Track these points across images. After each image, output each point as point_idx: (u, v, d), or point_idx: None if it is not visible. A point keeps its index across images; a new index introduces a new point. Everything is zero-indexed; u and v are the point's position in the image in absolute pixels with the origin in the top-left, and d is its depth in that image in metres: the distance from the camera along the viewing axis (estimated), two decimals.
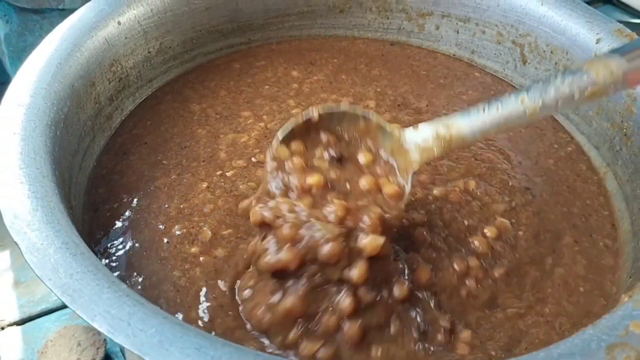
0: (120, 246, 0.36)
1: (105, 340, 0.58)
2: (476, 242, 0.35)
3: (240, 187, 0.39)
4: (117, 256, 0.35)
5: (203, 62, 0.49)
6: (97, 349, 0.57)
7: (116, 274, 0.34)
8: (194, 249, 0.35)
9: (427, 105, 0.46)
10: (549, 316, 0.33)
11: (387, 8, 0.52)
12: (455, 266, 0.33)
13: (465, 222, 0.36)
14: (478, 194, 0.38)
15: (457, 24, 0.51)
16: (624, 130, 0.41)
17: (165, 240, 0.36)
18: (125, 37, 0.42)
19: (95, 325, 0.23)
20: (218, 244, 0.35)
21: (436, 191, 0.38)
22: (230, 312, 0.32)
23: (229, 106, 0.45)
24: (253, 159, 0.41)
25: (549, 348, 0.24)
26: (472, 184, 0.39)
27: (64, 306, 0.62)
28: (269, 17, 0.51)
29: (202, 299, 0.33)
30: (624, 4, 1.08)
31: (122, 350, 0.40)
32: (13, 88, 0.34)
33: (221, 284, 0.33)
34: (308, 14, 0.52)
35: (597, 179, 0.42)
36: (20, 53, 0.62)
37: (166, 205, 0.38)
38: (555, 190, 0.41)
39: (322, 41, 0.53)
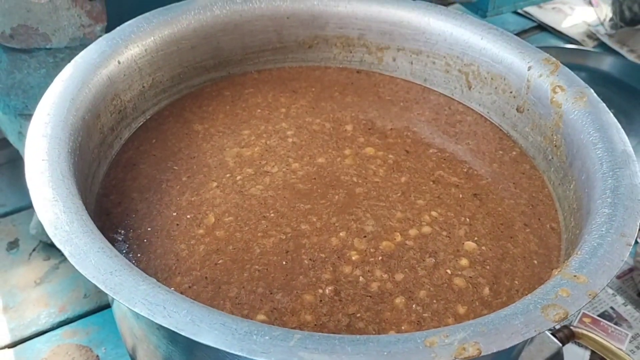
0: (132, 231, 0.42)
1: (97, 356, 0.62)
2: (456, 282, 0.41)
3: (251, 189, 0.46)
4: (128, 239, 0.41)
5: (192, 92, 0.55)
6: None
7: (124, 249, 0.41)
8: (200, 231, 0.43)
9: (391, 129, 0.53)
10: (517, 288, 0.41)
11: (349, 43, 0.59)
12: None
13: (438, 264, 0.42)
14: (438, 228, 0.44)
15: (410, 56, 0.58)
16: (554, 142, 0.48)
17: (176, 223, 0.43)
18: (124, 75, 0.47)
19: (137, 310, 0.28)
20: (220, 227, 0.43)
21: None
22: (208, 287, 0.39)
23: (229, 126, 0.52)
24: (262, 169, 0.48)
25: (497, 312, 0.31)
26: (425, 229, 0.44)
27: (53, 327, 0.66)
28: (247, 53, 0.57)
29: (194, 268, 0.41)
30: (557, 31, 1.20)
31: (132, 356, 0.44)
32: (36, 121, 0.39)
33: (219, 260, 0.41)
34: (281, 50, 0.58)
35: (539, 175, 0.50)
36: (9, 89, 0.66)
37: (178, 199, 0.45)
38: (501, 187, 0.48)
39: (299, 70, 0.59)
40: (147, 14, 0.50)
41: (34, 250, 0.74)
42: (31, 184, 0.34)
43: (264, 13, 0.56)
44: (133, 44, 0.48)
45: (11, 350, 0.64)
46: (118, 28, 0.48)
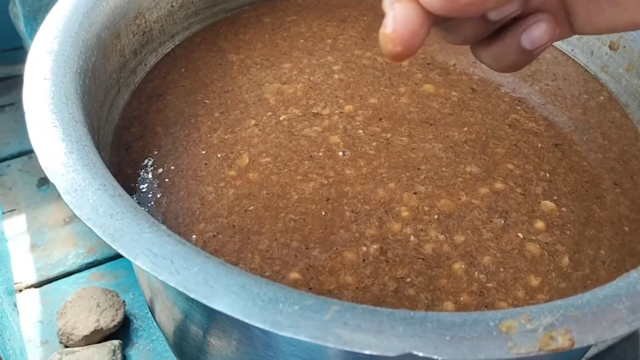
0: (152, 169, 0.37)
1: (124, 301, 0.58)
2: (529, 248, 0.34)
3: (304, 130, 0.40)
4: (148, 177, 0.36)
5: (227, 16, 0.48)
6: (117, 310, 0.57)
7: (143, 188, 0.35)
8: (232, 172, 0.37)
9: (454, 65, 0.46)
10: (602, 258, 0.34)
11: None
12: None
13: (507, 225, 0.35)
14: (513, 184, 0.37)
15: None
16: None
17: (205, 163, 0.37)
18: None
19: (138, 263, 0.23)
20: (254, 169, 0.37)
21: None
22: (235, 237, 0.34)
23: (268, 58, 0.45)
24: (312, 110, 0.41)
25: (593, 291, 0.24)
26: (499, 185, 0.37)
27: (81, 269, 0.62)
28: None
29: (221, 214, 0.35)
30: None
31: (150, 308, 0.40)
32: (41, 35, 0.33)
33: (250, 207, 0.35)
34: None
35: (632, 126, 0.42)
36: (36, 13, 0.61)
37: (208, 135, 0.39)
38: (586, 138, 0.40)
39: None
40: None
41: None
42: (28, 106, 0.29)
43: None
44: None
45: (37, 290, 0.61)
46: None
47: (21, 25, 0.65)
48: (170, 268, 0.23)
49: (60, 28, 0.34)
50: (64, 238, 0.65)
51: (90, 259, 0.63)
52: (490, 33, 0.24)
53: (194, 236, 0.33)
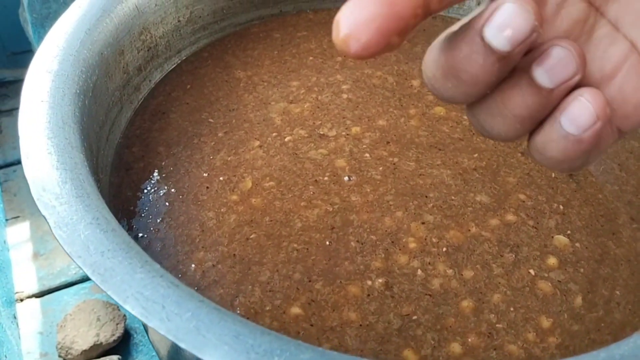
0: (152, 191, 0.36)
1: (124, 315, 0.57)
2: (541, 286, 0.32)
3: (310, 152, 0.39)
4: (148, 201, 0.35)
5: (236, 31, 0.47)
6: (117, 324, 0.56)
7: (142, 212, 0.34)
8: (234, 197, 0.36)
9: None
10: (617, 299, 0.32)
11: None
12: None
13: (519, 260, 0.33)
14: (525, 216, 0.36)
15: None
16: None
17: (206, 186, 0.36)
18: (156, 5, 0.40)
19: (128, 308, 0.22)
20: (257, 194, 0.36)
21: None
22: (235, 267, 0.32)
23: (276, 75, 0.44)
24: (318, 131, 0.40)
25: (609, 348, 0.23)
26: (510, 217, 0.36)
27: (83, 280, 0.62)
28: None
29: (222, 242, 0.34)
30: None
31: (144, 326, 0.39)
32: (40, 54, 0.32)
33: (252, 234, 0.34)
34: None
35: None
36: (44, 20, 0.60)
37: (211, 157, 0.38)
38: (603, 168, 0.39)
39: None
40: None
41: None
42: (22, 130, 0.28)
43: None
44: None
45: (38, 300, 0.60)
46: None
47: (30, 30, 0.64)
48: (161, 314, 0.21)
49: (61, 46, 0.33)
50: None
51: None
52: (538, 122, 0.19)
53: (192, 265, 0.32)
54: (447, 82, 0.18)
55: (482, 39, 0.17)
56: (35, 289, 0.61)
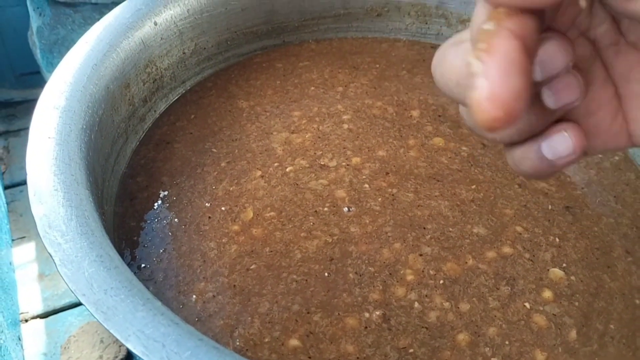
0: (156, 221, 0.36)
1: None
2: (536, 320, 0.33)
3: (310, 183, 0.39)
4: (151, 231, 0.36)
5: (239, 61, 0.48)
6: (120, 346, 0.56)
7: (145, 242, 0.35)
8: (235, 227, 0.37)
9: None
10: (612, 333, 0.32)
11: (426, 13, 0.51)
12: None
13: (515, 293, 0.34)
14: (521, 249, 0.36)
15: None
16: None
17: (209, 216, 0.37)
18: (161, 38, 0.41)
19: (129, 346, 0.22)
20: (258, 224, 0.37)
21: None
22: (235, 298, 0.33)
23: (278, 105, 0.45)
24: (319, 161, 0.41)
25: None
26: (507, 250, 0.36)
27: None
28: (305, 19, 0.50)
29: (222, 273, 0.34)
30: None
31: None
32: (49, 89, 0.33)
33: (252, 265, 0.34)
34: (344, 17, 0.51)
35: None
36: (52, 46, 0.61)
37: (213, 187, 0.39)
38: (599, 200, 0.39)
39: (363, 42, 0.52)
40: None
41: None
42: (30, 167, 0.29)
43: None
44: (173, 3, 0.42)
45: (42, 320, 0.61)
46: None
47: (38, 54, 0.66)
48: (162, 352, 0.22)
49: (68, 82, 0.34)
50: None
51: None
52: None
53: (194, 296, 0.33)
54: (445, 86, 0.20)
55: None
56: (39, 310, 0.62)
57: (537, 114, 0.20)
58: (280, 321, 0.32)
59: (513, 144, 0.21)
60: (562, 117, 0.20)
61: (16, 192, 0.74)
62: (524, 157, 0.21)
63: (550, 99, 0.19)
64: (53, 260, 0.25)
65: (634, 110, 0.20)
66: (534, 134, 0.20)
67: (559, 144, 0.20)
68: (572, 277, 0.35)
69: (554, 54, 0.18)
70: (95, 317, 0.23)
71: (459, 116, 0.45)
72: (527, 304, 0.34)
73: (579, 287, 0.35)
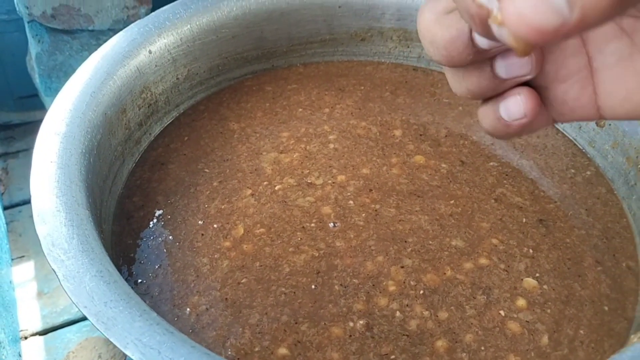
0: (151, 239, 0.39)
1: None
2: (510, 327, 0.35)
3: (298, 200, 0.42)
4: (147, 248, 0.38)
5: (231, 85, 0.51)
6: None
7: (142, 259, 0.37)
8: (227, 243, 0.39)
9: (445, 136, 0.47)
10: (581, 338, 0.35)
11: (407, 37, 0.53)
12: None
13: (491, 302, 0.36)
14: (497, 260, 0.38)
15: None
16: (639, 165, 0.41)
17: (201, 233, 0.39)
18: (156, 65, 0.44)
19: (128, 353, 0.24)
20: (249, 240, 0.39)
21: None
22: (227, 310, 0.35)
23: (267, 126, 0.47)
24: (306, 180, 0.43)
25: None
26: (483, 261, 0.39)
27: (85, 317, 0.64)
28: (292, 45, 0.52)
29: (215, 287, 0.37)
30: None
31: None
32: (50, 116, 0.36)
33: (243, 279, 0.37)
34: (330, 42, 0.53)
35: (617, 202, 0.43)
36: (50, 71, 0.64)
37: (206, 205, 0.41)
38: (571, 213, 0.42)
39: (348, 65, 0.54)
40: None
41: None
42: (34, 190, 0.31)
43: (314, 1, 0.51)
44: (167, 32, 0.44)
45: (41, 337, 0.63)
46: (152, 14, 0.44)
47: (37, 79, 0.68)
48: (157, 359, 0.24)
49: (68, 109, 0.36)
50: None
51: None
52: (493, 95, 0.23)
53: (188, 309, 0.35)
54: (429, 47, 0.21)
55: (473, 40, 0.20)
56: (39, 327, 0.64)
57: (487, 79, 0.21)
58: (269, 331, 0.34)
59: (478, 99, 0.23)
60: (528, 81, 0.22)
61: (15, 213, 0.76)
62: (485, 115, 0.23)
63: (501, 69, 0.21)
64: (57, 275, 0.27)
65: (604, 82, 0.21)
66: (496, 94, 0.22)
67: (513, 106, 0.22)
68: (545, 286, 0.37)
69: None
70: (96, 327, 0.25)
71: (439, 135, 0.48)
72: (502, 312, 0.36)
73: (551, 296, 0.37)
